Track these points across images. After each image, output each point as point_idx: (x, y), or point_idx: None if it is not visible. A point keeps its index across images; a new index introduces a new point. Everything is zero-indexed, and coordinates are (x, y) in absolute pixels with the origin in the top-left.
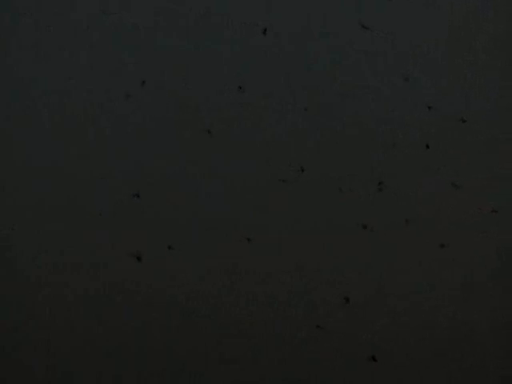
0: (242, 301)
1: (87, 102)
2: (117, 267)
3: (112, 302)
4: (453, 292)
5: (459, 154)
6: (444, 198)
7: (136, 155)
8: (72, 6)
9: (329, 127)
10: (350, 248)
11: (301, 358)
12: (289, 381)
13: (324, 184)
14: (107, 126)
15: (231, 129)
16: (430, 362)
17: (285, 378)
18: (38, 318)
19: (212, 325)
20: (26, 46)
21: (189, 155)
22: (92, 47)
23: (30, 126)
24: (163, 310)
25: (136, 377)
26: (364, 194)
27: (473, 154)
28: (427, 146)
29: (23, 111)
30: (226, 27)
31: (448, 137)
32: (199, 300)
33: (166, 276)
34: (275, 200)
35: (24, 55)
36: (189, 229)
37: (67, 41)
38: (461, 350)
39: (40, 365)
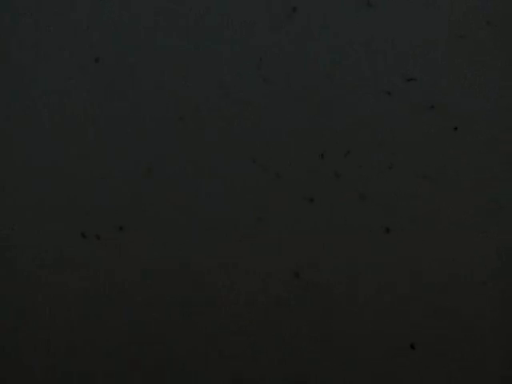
0: (242, 299)
1: (87, 102)
2: (117, 267)
3: (112, 302)
4: (453, 291)
5: (459, 154)
6: (444, 199)
7: (136, 155)
8: (72, 5)
9: (328, 127)
10: (353, 247)
11: (301, 356)
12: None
13: (324, 182)
14: (107, 126)
15: (231, 127)
16: (429, 362)
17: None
18: (38, 317)
19: (212, 324)
20: (26, 46)
21: (189, 155)
22: (92, 47)
23: (30, 125)
24: (163, 309)
25: (134, 376)
26: (364, 192)
27: (472, 154)
28: (455, 128)
29: (23, 111)
30: (225, 27)
31: (448, 137)
32: (199, 300)
33: (166, 275)
34: (274, 199)
35: (24, 55)
36: (189, 229)
37: (67, 41)
38: (461, 350)
39: (40, 364)
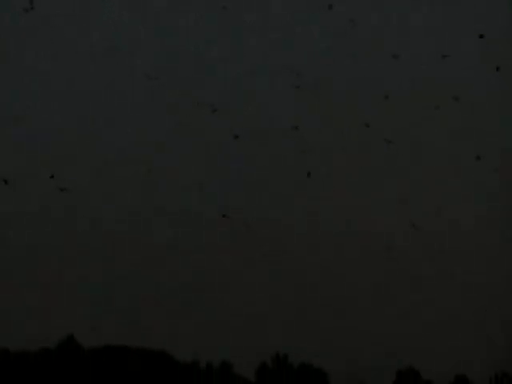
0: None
1: (87, 102)
2: (119, 268)
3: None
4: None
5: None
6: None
7: (136, 154)
8: (72, 6)
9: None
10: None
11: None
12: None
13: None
14: (108, 125)
15: (235, 126)
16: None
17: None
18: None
19: (210, 306)
20: (26, 47)
21: (190, 154)
22: (92, 47)
23: (30, 125)
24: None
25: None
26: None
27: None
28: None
29: (23, 111)
30: (225, 28)
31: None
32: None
33: (165, 273)
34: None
35: (24, 55)
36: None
37: (67, 41)
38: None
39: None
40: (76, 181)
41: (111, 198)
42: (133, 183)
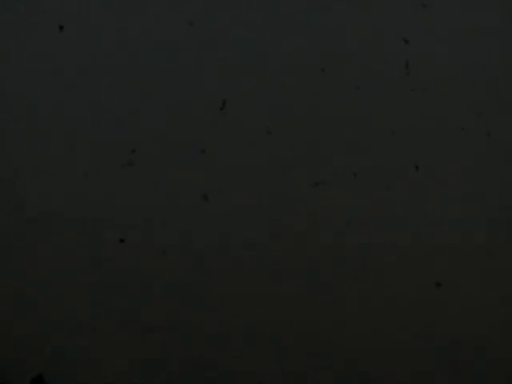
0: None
1: (87, 103)
2: (117, 267)
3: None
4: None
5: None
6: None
7: (136, 154)
8: (72, 6)
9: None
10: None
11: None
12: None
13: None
14: (108, 126)
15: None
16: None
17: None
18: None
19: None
20: (25, 46)
21: (191, 153)
22: (92, 47)
23: (30, 125)
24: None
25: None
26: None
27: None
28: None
29: (23, 111)
30: (226, 28)
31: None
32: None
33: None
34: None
35: (24, 55)
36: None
37: (67, 41)
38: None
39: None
40: (75, 180)
41: (111, 197)
42: (133, 182)
